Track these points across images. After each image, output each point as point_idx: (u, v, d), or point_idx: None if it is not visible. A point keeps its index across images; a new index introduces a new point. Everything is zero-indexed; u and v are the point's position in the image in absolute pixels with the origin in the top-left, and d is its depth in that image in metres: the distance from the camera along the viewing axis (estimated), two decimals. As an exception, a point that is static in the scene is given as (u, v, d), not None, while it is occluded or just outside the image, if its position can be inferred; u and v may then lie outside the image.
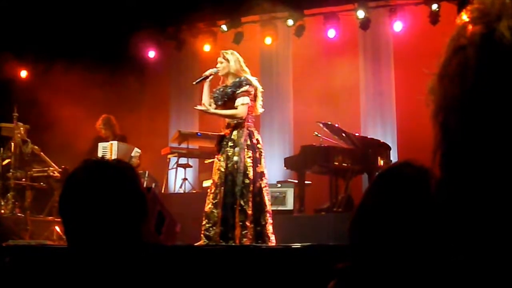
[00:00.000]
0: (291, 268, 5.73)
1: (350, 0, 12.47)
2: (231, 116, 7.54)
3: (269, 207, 7.56)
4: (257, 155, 7.56)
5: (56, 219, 9.71)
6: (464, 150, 1.01)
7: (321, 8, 12.74)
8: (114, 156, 9.66)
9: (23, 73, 13.66)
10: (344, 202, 10.26)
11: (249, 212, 7.34)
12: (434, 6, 11.56)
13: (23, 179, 10.33)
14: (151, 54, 13.76)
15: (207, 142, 11.23)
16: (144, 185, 9.50)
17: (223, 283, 5.71)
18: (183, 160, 12.10)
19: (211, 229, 7.41)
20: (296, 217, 10.01)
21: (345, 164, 10.39)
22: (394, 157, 11.15)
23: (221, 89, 7.72)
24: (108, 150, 10.13)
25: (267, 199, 7.56)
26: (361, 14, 12.15)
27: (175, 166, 12.08)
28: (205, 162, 11.55)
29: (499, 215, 0.99)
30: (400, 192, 1.85)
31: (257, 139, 7.61)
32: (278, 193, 10.25)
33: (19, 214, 9.86)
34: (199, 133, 12.06)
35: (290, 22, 12.61)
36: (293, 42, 13.22)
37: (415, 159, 1.94)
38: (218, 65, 7.74)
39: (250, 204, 7.37)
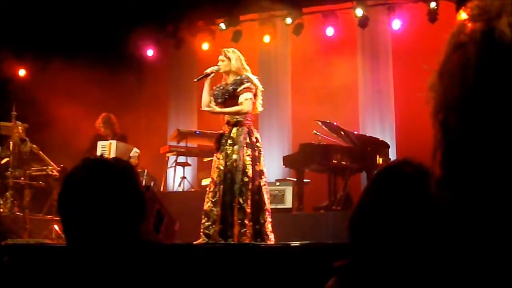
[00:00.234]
0: (290, 267, 5.73)
1: (348, -2, 12.49)
2: (237, 112, 7.54)
3: (268, 206, 7.56)
4: (256, 153, 7.56)
5: (55, 218, 9.71)
6: (464, 149, 1.01)
7: (320, 6, 12.74)
8: (112, 156, 9.65)
9: (22, 72, 13.63)
10: (342, 200, 10.26)
11: (248, 210, 7.34)
12: (433, 4, 11.57)
13: (22, 178, 10.32)
14: (150, 52, 13.76)
15: (206, 141, 11.22)
16: (143, 183, 9.50)
17: (222, 281, 5.71)
18: (181, 159, 12.10)
19: (210, 227, 7.41)
20: (295, 215, 10.02)
21: (344, 162, 10.40)
22: (392, 155, 11.16)
23: (221, 87, 7.72)
24: (107, 149, 10.13)
25: (266, 197, 7.56)
26: (359, 12, 12.15)
27: (173, 164, 12.07)
28: (204, 160, 11.55)
29: (499, 214, 0.99)
30: (399, 190, 1.85)
31: (256, 138, 7.62)
32: (277, 192, 10.25)
33: (17, 213, 9.86)
34: (197, 132, 12.05)
35: (288, 20, 12.61)
36: (292, 40, 13.22)
37: (414, 157, 1.94)
38: (219, 63, 7.74)
39: (249, 202, 7.38)
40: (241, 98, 7.51)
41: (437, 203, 1.06)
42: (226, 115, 7.67)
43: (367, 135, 11.37)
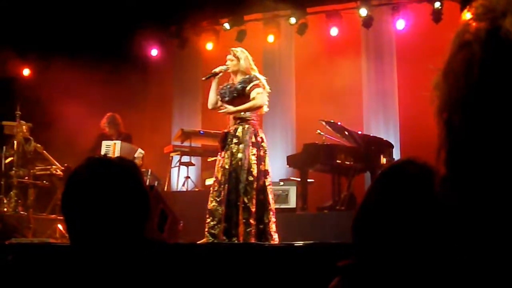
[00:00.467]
0: (293, 266, 5.73)
1: (352, -2, 12.49)
2: (251, 108, 7.52)
3: (272, 206, 7.56)
4: (261, 153, 7.56)
5: (58, 217, 9.71)
6: (469, 148, 1.01)
7: (324, 6, 12.74)
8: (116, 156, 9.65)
9: (26, 71, 13.66)
10: (346, 200, 10.25)
11: (253, 209, 7.34)
12: (437, 4, 11.55)
13: (26, 177, 10.34)
14: (154, 52, 13.76)
15: (210, 140, 11.22)
16: (147, 183, 9.51)
17: (226, 281, 5.71)
18: (185, 158, 12.10)
19: (216, 227, 7.40)
20: (298, 215, 10.01)
21: (348, 162, 10.39)
22: (396, 155, 11.15)
23: (229, 86, 7.70)
24: (111, 149, 10.13)
25: (270, 197, 7.56)
26: (363, 12, 12.14)
27: (177, 164, 12.07)
28: (208, 160, 11.54)
29: (503, 213, 0.99)
30: (403, 190, 1.85)
31: (261, 137, 7.62)
32: (280, 191, 10.24)
33: (21, 212, 9.88)
34: (201, 131, 12.05)
35: (292, 20, 12.61)
36: (296, 40, 13.22)
37: (418, 157, 1.94)
38: (228, 62, 7.72)
39: (254, 201, 7.37)
40: (253, 94, 7.50)
41: (441, 202, 1.06)
42: (236, 115, 7.63)
43: (371, 135, 11.35)
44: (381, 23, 12.55)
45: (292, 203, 10.34)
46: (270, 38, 13.01)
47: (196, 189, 11.92)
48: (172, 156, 12.15)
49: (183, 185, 11.89)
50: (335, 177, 10.79)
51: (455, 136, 1.03)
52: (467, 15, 1.07)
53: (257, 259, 5.94)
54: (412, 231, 1.79)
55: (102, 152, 9.91)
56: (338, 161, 10.31)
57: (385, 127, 12.68)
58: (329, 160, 10.37)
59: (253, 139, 7.51)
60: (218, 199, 7.45)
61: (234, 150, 7.46)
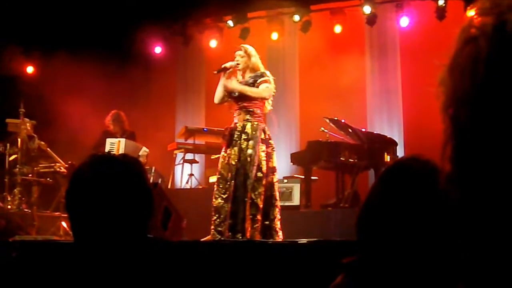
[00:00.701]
0: (297, 264, 5.73)
1: (356, -5, 12.47)
2: (257, 93, 7.49)
3: (278, 202, 7.59)
4: (270, 150, 7.58)
5: (62, 215, 9.73)
6: (475, 143, 1.00)
7: (328, 3, 12.74)
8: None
9: (30, 69, 13.67)
10: (350, 197, 10.24)
11: (261, 205, 7.36)
12: (441, 1, 11.53)
13: (30, 175, 10.36)
14: (158, 49, 13.77)
15: (214, 138, 11.22)
16: (151, 180, 9.51)
17: (229, 278, 5.71)
18: (189, 156, 12.11)
19: (222, 224, 7.40)
20: (302, 213, 10.01)
21: (352, 160, 10.38)
22: (400, 152, 11.13)
23: (238, 81, 7.67)
24: (116, 146, 10.11)
25: (277, 194, 7.59)
26: (367, 9, 12.13)
27: (181, 161, 12.08)
28: (212, 157, 11.55)
29: (509, 210, 0.98)
30: (407, 187, 1.85)
31: (268, 135, 7.63)
32: (284, 189, 10.23)
33: (25, 210, 9.89)
34: (205, 129, 12.06)
35: (296, 17, 12.60)
36: (300, 37, 13.21)
37: (422, 154, 1.93)
38: (238, 58, 7.69)
39: (262, 197, 7.39)
40: (262, 87, 7.50)
41: (446, 199, 1.06)
42: (242, 111, 7.60)
43: (375, 132, 11.35)
44: (385, 21, 12.54)
45: (296, 200, 10.34)
46: (274, 36, 13.01)
47: (200, 187, 11.92)
48: (175, 154, 12.15)
49: (187, 182, 11.90)
50: (339, 174, 10.79)
51: (461, 132, 1.03)
52: (474, 8, 1.06)
53: (261, 257, 5.94)
54: (417, 228, 1.79)
55: (106, 150, 9.90)
56: (342, 158, 10.31)
57: (389, 124, 12.67)
58: (333, 157, 10.37)
59: (262, 136, 7.52)
60: (224, 196, 7.43)
61: (243, 146, 7.44)
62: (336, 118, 10.69)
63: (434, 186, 1.76)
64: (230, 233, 7.29)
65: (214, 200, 7.50)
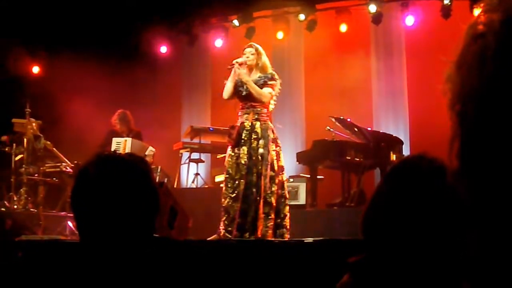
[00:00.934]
0: (303, 263, 5.72)
1: (361, -6, 12.46)
2: (257, 92, 7.49)
3: (288, 201, 7.64)
4: (278, 149, 7.61)
5: (68, 215, 9.74)
6: (482, 140, 1.00)
7: (333, 2, 12.74)
8: (127, 152, 9.63)
9: (36, 69, 13.69)
10: (356, 196, 10.23)
11: (274, 204, 7.38)
12: (446, 0, 11.52)
13: (36, 175, 10.38)
14: (163, 49, 13.78)
15: (219, 137, 11.22)
16: (156, 180, 9.51)
17: (236, 277, 5.71)
18: (195, 155, 12.11)
19: (232, 224, 7.40)
20: (308, 212, 10.00)
21: (358, 159, 10.36)
22: (406, 151, 11.11)
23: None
24: (122, 146, 10.11)
25: (287, 192, 7.63)
26: (373, 8, 12.12)
27: (187, 161, 12.08)
28: (217, 157, 11.55)
29: None
30: (414, 185, 1.84)
31: (276, 135, 7.65)
32: (290, 188, 10.20)
33: (32, 210, 9.91)
34: (211, 128, 12.07)
35: (302, 16, 12.60)
36: (305, 37, 13.20)
37: (428, 152, 1.93)
38: (249, 55, 7.67)
39: (275, 196, 7.41)
40: (265, 90, 7.51)
41: (454, 197, 1.05)
42: (251, 111, 7.59)
43: (381, 131, 11.33)
44: (390, 19, 12.53)
45: (302, 199, 10.33)
46: (280, 35, 13.01)
47: (206, 186, 11.93)
48: (181, 153, 12.16)
49: (193, 182, 11.90)
50: (344, 173, 10.78)
51: (468, 128, 1.02)
52: (481, 5, 1.06)
53: (267, 256, 5.94)
54: (423, 226, 1.78)
55: (112, 149, 9.90)
56: (347, 157, 10.29)
57: (394, 123, 12.66)
58: (338, 156, 10.36)
59: (272, 135, 7.53)
60: (232, 196, 7.44)
61: (253, 145, 7.44)
62: (342, 117, 10.68)
63: (440, 184, 1.76)
64: (238, 232, 7.28)
65: (223, 200, 7.50)
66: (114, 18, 12.48)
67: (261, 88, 7.50)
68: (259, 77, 7.59)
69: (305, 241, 6.28)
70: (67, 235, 9.48)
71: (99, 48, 12.26)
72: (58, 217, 10.17)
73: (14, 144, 10.36)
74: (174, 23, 13.40)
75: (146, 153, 10.16)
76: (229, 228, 7.39)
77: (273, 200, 7.39)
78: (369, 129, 10.94)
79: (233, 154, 7.57)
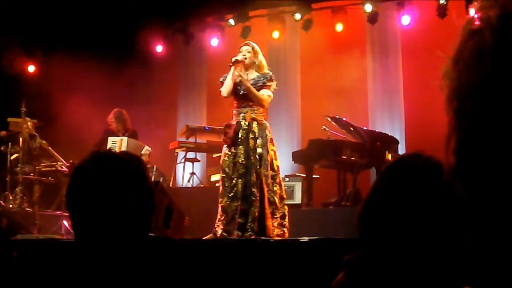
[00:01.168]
0: (299, 262, 5.73)
1: (357, -6, 12.47)
2: (258, 98, 7.49)
3: (285, 201, 7.68)
4: (275, 148, 7.62)
5: (64, 214, 9.73)
6: (479, 135, 1.00)
7: (329, 2, 12.74)
8: (122, 151, 9.62)
9: (31, 68, 13.67)
10: (352, 196, 10.24)
11: (277, 203, 7.41)
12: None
13: (31, 174, 10.37)
14: (159, 48, 13.77)
15: (215, 136, 11.22)
16: (152, 179, 9.49)
17: (231, 276, 5.71)
18: (191, 155, 12.12)
19: (230, 223, 7.40)
20: (304, 211, 10.00)
21: (353, 158, 10.37)
22: (402, 151, 11.14)
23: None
24: (118, 145, 10.10)
25: (284, 191, 7.66)
26: (368, 8, 12.12)
27: (183, 160, 12.08)
28: (213, 156, 11.55)
29: None
30: (410, 183, 1.84)
31: (271, 134, 7.68)
32: (286, 187, 10.21)
33: (27, 209, 9.90)
34: (207, 127, 12.08)
35: (297, 16, 12.60)
36: (301, 36, 13.21)
37: (424, 151, 1.93)
38: (246, 54, 7.65)
39: (278, 195, 7.44)
40: (265, 92, 7.51)
41: (450, 193, 1.05)
42: (248, 110, 7.58)
43: (377, 131, 11.34)
44: (386, 19, 12.54)
45: (298, 199, 10.33)
46: (275, 34, 13.02)
47: (201, 185, 11.93)
48: (177, 152, 12.16)
49: (188, 181, 11.90)
50: (340, 173, 10.78)
51: (465, 124, 1.02)
52: (476, 3, 1.06)
53: (262, 255, 5.94)
54: (419, 224, 1.78)
55: (108, 148, 9.89)
56: (343, 157, 10.30)
57: (390, 123, 12.67)
58: (334, 156, 10.36)
59: (269, 135, 7.54)
60: (230, 195, 7.43)
61: (251, 145, 7.44)
62: (337, 117, 10.68)
63: (436, 182, 1.76)
64: (240, 232, 7.27)
65: (220, 199, 7.48)
66: (110, 17, 12.46)
67: (261, 89, 7.50)
68: (257, 77, 7.59)
69: (300, 240, 6.28)
70: (63, 234, 9.47)
71: (95, 47, 12.26)
72: (53, 216, 10.17)
73: (10, 143, 10.35)
74: (170, 22, 13.40)
75: (142, 152, 10.15)
76: (228, 228, 7.38)
77: (276, 199, 7.41)
78: (364, 128, 10.95)
79: (229, 153, 7.56)
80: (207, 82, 13.84)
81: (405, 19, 12.18)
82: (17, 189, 10.00)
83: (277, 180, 7.52)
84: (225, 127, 7.69)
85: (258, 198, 7.30)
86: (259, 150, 7.40)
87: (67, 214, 8.46)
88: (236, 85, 7.59)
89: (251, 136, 7.47)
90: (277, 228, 7.40)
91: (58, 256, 2.38)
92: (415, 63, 11.67)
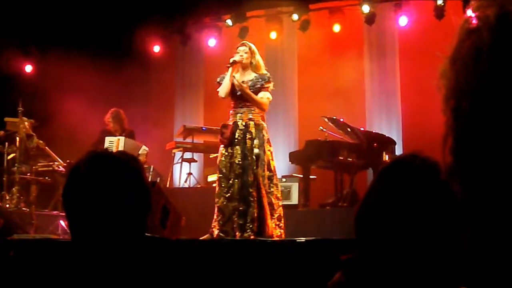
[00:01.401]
0: (295, 262, 5.73)
1: (355, -6, 12.47)
2: (258, 103, 7.50)
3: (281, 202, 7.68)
4: (272, 149, 7.62)
5: (61, 214, 9.72)
6: (477, 135, 1.00)
7: (326, 2, 12.75)
8: (120, 152, 9.61)
9: (28, 68, 13.66)
10: (349, 196, 10.24)
11: (275, 204, 7.42)
12: (439, 1, 11.53)
13: (28, 174, 10.36)
14: (156, 48, 13.76)
15: (212, 137, 11.21)
16: (149, 179, 9.50)
17: (228, 277, 5.71)
18: (188, 155, 12.11)
19: (226, 224, 7.39)
20: (301, 212, 10.00)
21: (350, 159, 10.37)
22: (399, 152, 11.14)
23: (242, 82, 7.58)
24: (115, 145, 10.09)
25: (280, 192, 7.67)
26: (366, 8, 12.12)
27: (180, 160, 12.08)
28: (210, 156, 11.55)
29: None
30: (407, 183, 1.84)
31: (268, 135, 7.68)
32: (283, 188, 10.19)
33: (24, 209, 9.88)
34: (204, 128, 12.07)
35: (295, 16, 12.60)
36: (298, 36, 13.21)
37: (421, 151, 1.93)
38: (243, 54, 7.64)
39: (275, 195, 7.45)
40: (264, 95, 7.52)
41: (446, 195, 1.05)
42: (245, 110, 7.58)
43: (374, 131, 11.34)
44: (383, 20, 12.54)
45: (294, 199, 10.33)
46: (273, 35, 13.02)
47: (198, 186, 11.93)
48: (174, 153, 12.16)
49: (185, 181, 11.90)
50: (337, 173, 10.79)
51: (462, 123, 1.02)
52: (474, 2, 1.06)
53: (259, 255, 5.94)
54: (415, 225, 1.78)
55: (105, 148, 9.89)
56: (340, 157, 10.30)
57: (387, 123, 12.67)
58: (331, 156, 10.37)
59: (266, 135, 7.54)
60: (227, 195, 7.43)
61: (248, 145, 7.43)
62: (334, 117, 10.68)
63: (433, 183, 1.76)
64: (239, 233, 7.26)
65: (217, 200, 7.47)
66: (107, 17, 12.46)
67: (259, 91, 7.50)
68: (255, 78, 7.58)
69: (297, 240, 6.28)
70: (59, 234, 9.45)
71: (92, 47, 12.25)
72: (50, 216, 10.15)
73: (7, 143, 10.34)
74: (167, 22, 13.39)
75: (140, 152, 10.14)
76: (224, 228, 7.38)
77: (273, 200, 7.41)
78: (362, 129, 10.95)
79: (226, 153, 7.55)
80: (204, 83, 13.84)
81: (403, 20, 12.19)
82: (13, 189, 9.99)
83: (274, 181, 7.52)
84: (222, 127, 7.68)
85: (255, 198, 7.30)
86: (256, 150, 7.40)
87: (64, 214, 8.45)
88: (234, 86, 7.58)
89: (248, 136, 7.47)
90: (275, 229, 7.40)
91: (55, 256, 2.37)
92: (412, 64, 11.68)
